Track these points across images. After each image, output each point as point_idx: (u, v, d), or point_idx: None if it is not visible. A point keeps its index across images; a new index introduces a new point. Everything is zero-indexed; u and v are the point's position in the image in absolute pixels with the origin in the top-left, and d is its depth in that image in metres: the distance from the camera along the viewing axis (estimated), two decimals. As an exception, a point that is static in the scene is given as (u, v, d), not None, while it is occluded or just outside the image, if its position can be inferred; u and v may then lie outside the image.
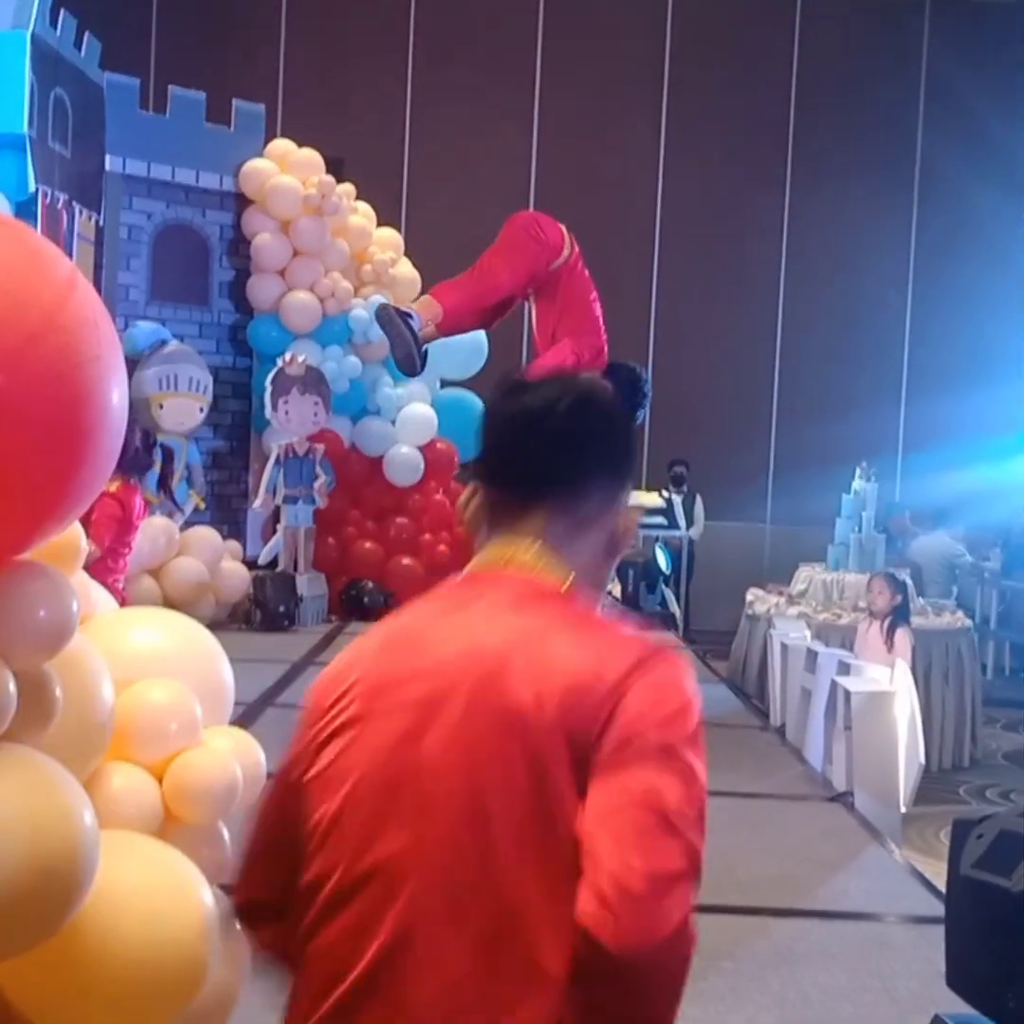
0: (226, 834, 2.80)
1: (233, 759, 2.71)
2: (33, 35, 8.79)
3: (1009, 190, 12.79)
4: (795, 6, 12.94)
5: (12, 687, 2.19)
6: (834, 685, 5.76)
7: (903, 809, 5.64)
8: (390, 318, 5.99)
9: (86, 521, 2.66)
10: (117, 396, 2.31)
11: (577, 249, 6.11)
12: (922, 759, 5.61)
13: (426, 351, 6.02)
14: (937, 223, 12.91)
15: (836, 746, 5.64)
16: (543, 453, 1.82)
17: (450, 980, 1.57)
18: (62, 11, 9.30)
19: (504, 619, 1.74)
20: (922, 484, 11.91)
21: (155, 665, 2.73)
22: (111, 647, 2.68)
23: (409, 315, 5.99)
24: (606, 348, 6.13)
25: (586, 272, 6.12)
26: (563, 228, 6.11)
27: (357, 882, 1.66)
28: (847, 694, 5.52)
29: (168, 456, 7.92)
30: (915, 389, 12.94)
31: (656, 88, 12.92)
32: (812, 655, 6.40)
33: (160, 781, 2.66)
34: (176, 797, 2.64)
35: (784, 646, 6.94)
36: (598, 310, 6.11)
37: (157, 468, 8.08)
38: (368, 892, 1.64)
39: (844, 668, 5.96)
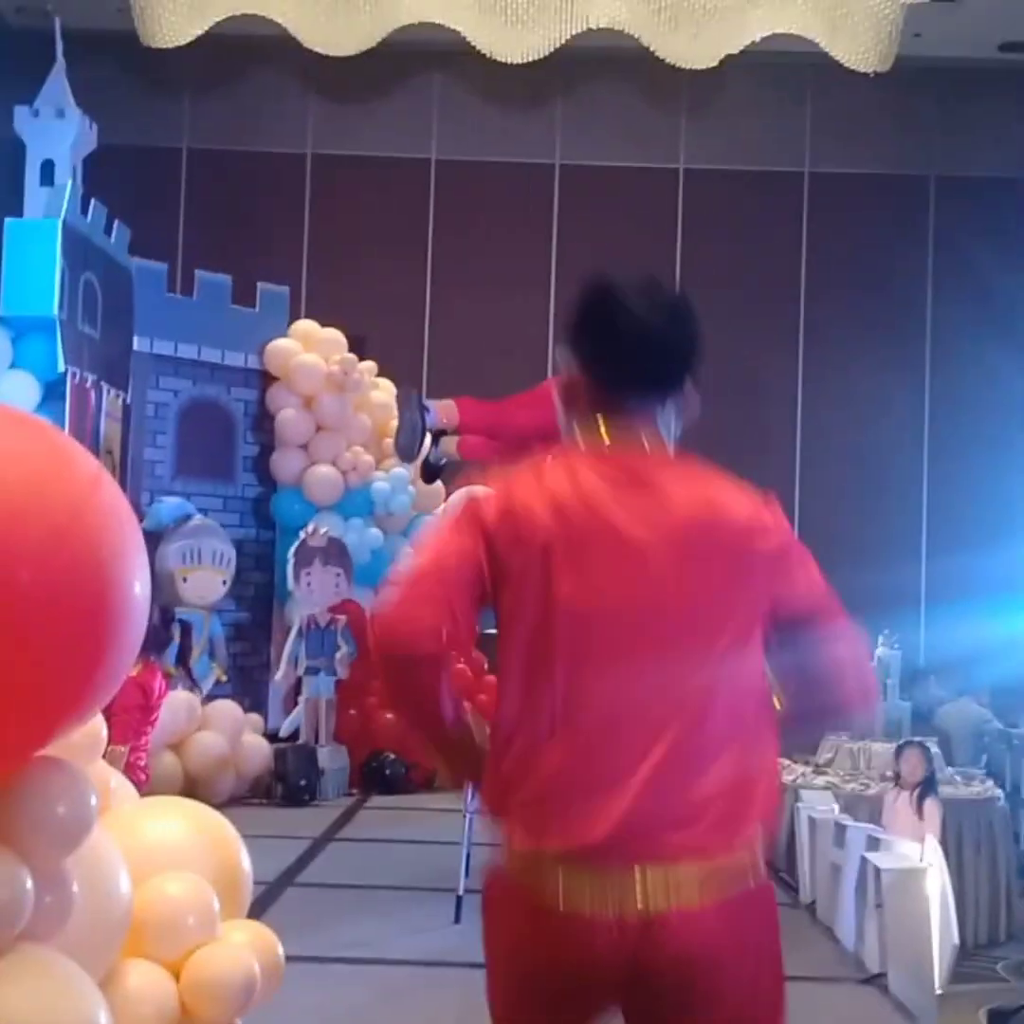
0: (243, 1031, 2.75)
1: (251, 954, 2.67)
2: (64, 222, 9.10)
3: (1021, 350, 12.97)
4: (803, 182, 13.30)
5: (29, 885, 2.18)
6: (864, 861, 5.65)
7: (938, 990, 5.48)
8: (408, 402, 6.08)
9: (107, 712, 2.67)
10: (139, 589, 2.33)
11: None
12: (956, 938, 5.46)
13: (428, 444, 6.07)
14: (950, 384, 13.06)
15: (868, 924, 5.51)
16: (685, 351, 2.26)
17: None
18: (92, 200, 9.64)
19: (692, 488, 2.24)
20: (945, 638, 11.83)
21: (173, 857, 2.71)
22: (129, 839, 2.67)
23: (426, 408, 6.07)
24: None
25: None
26: None
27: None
28: (877, 871, 5.40)
29: (186, 630, 7.94)
30: (935, 544, 12.95)
31: (668, 262, 13.21)
32: (840, 829, 6.29)
33: (177, 977, 2.62)
34: (193, 994, 2.60)
35: (811, 820, 6.82)
36: None
37: (176, 641, 8.10)
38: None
39: (873, 844, 5.84)
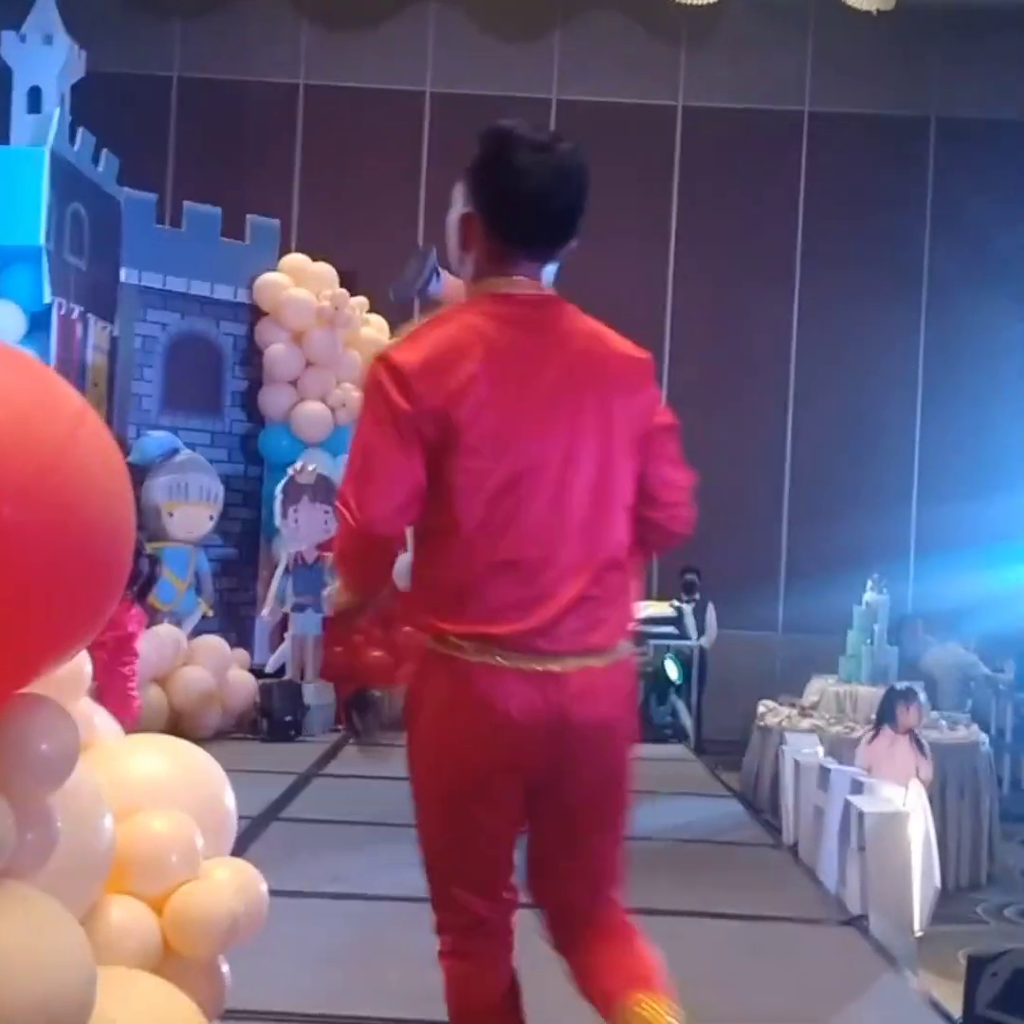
0: (226, 968, 2.76)
1: (234, 891, 2.67)
2: (51, 151, 8.97)
3: (1018, 299, 12.90)
4: (802, 120, 13.17)
5: (10, 821, 2.16)
6: (847, 805, 5.68)
7: (919, 933, 5.53)
8: (424, 258, 5.91)
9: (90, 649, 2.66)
10: (125, 527, 2.31)
11: None
12: (938, 882, 5.50)
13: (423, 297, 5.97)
14: (945, 332, 13.01)
15: (850, 867, 5.54)
16: (576, 211, 2.58)
17: None
18: (80, 128, 9.50)
19: (581, 325, 2.60)
20: (934, 589, 11.88)
21: (157, 793, 2.71)
22: (112, 775, 2.65)
23: (438, 273, 5.93)
24: None
25: None
26: None
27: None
28: (860, 814, 5.43)
29: (154, 563, 7.86)
30: (926, 493, 12.93)
31: (665, 199, 13.11)
32: (824, 772, 6.32)
33: (160, 914, 2.62)
34: (176, 931, 2.60)
35: (796, 763, 6.85)
36: None
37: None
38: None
39: (857, 787, 5.87)
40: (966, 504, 12.32)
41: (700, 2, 10.98)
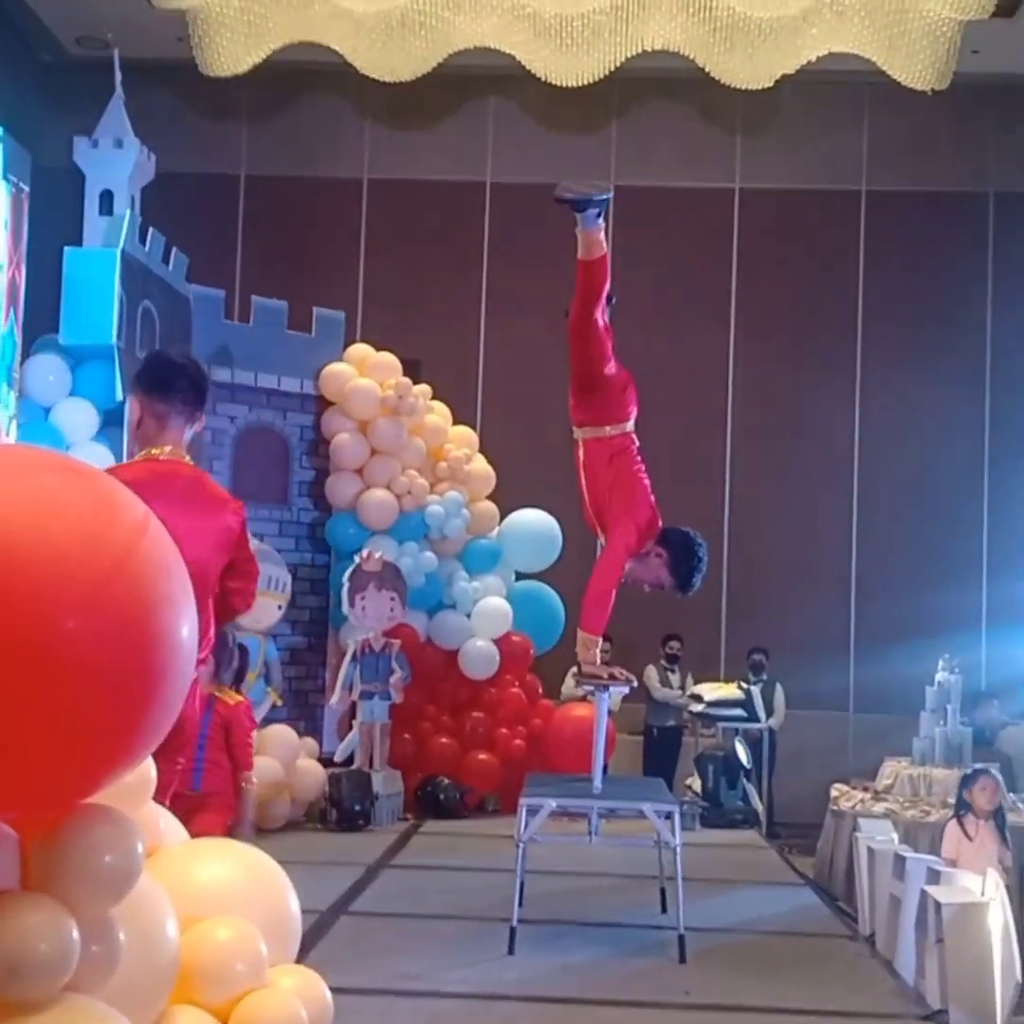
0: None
1: (299, 1000, 2.66)
2: (122, 251, 9.19)
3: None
4: (860, 200, 13.20)
5: (75, 935, 2.17)
6: (924, 895, 5.56)
7: (1001, 1028, 5.37)
8: (603, 194, 6.06)
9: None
10: (186, 636, 2.34)
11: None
12: (1019, 974, 5.35)
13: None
14: (1011, 405, 12.90)
15: (928, 959, 5.41)
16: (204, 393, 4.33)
17: None
18: (151, 228, 9.74)
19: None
20: (1007, 661, 11.72)
21: (221, 901, 2.71)
22: (176, 883, 2.66)
23: (601, 214, 6.13)
24: (659, 519, 6.19)
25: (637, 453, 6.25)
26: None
27: None
28: (938, 905, 5.32)
29: (243, 653, 7.95)
30: (996, 566, 12.78)
31: (725, 282, 13.16)
32: (900, 861, 6.20)
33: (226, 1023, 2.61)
34: (241, 1041, 2.59)
35: (870, 850, 6.73)
36: (647, 482, 6.18)
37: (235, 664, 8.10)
38: None
39: (933, 876, 5.76)
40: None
41: (756, 87, 11.05)
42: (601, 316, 6.18)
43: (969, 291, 13.03)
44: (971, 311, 13.03)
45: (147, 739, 2.38)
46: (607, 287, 6.21)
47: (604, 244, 6.21)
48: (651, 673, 11.33)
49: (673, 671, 11.57)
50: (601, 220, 6.17)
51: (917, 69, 10.60)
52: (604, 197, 6.10)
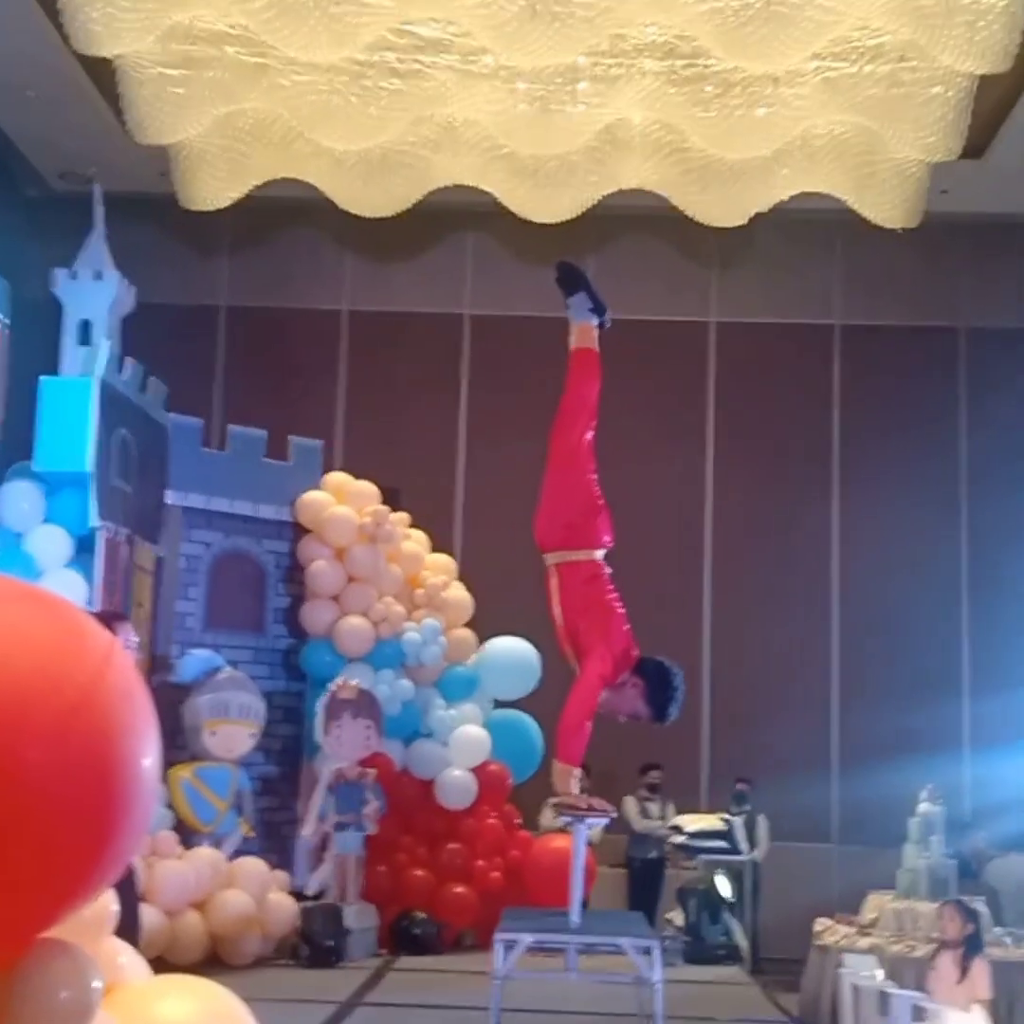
0: None
1: None
2: (101, 381, 9.25)
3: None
4: (833, 334, 13.42)
5: (28, 1077, 2.10)
6: (909, 1033, 5.44)
7: None
8: (600, 307, 6.29)
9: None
10: (149, 765, 2.31)
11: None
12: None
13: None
14: (988, 529, 13.01)
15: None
16: None
17: None
18: (128, 359, 9.81)
19: None
20: (992, 785, 11.64)
21: (183, 1040, 2.62)
22: (137, 1021, 2.58)
23: (601, 317, 6.37)
24: (634, 648, 6.13)
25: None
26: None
27: None
28: (923, 1044, 5.20)
29: None
30: (977, 686, 12.76)
31: (701, 413, 13.30)
32: (885, 997, 6.06)
33: None
34: None
35: (855, 987, 6.59)
36: (622, 611, 6.13)
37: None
38: None
39: (919, 1013, 5.63)
40: (1019, 696, 12.18)
41: (730, 225, 11.28)
42: (588, 431, 6.25)
43: (942, 420, 13.22)
44: (945, 438, 13.20)
45: (108, 871, 2.34)
46: (595, 401, 6.34)
47: (594, 343, 6.39)
48: (630, 804, 11.17)
49: (653, 801, 11.41)
50: (594, 318, 6.37)
51: (887, 208, 10.84)
52: (599, 303, 6.42)
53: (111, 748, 2.21)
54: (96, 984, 2.25)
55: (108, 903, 2.68)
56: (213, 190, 11.08)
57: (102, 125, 11.67)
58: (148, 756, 2.30)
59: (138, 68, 9.54)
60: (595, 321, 6.47)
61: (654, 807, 11.37)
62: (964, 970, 6.58)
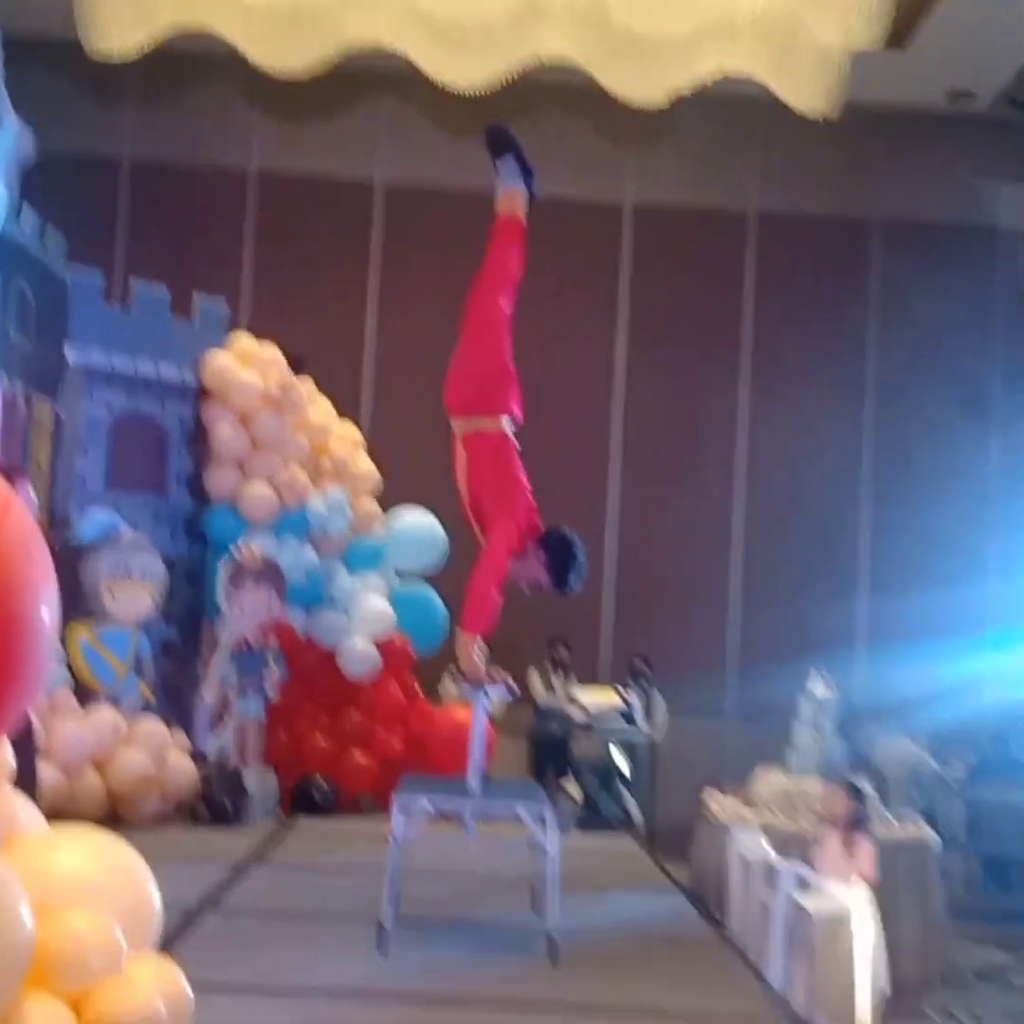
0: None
1: (155, 991, 2.56)
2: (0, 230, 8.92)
3: (966, 398, 13.10)
4: (748, 221, 13.35)
5: (-80, 920, 2.06)
6: (793, 903, 5.59)
7: (867, 1033, 5.42)
8: (528, 170, 6.31)
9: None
10: (46, 615, 2.26)
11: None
12: (886, 984, 5.40)
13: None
14: (893, 426, 13.16)
15: (796, 966, 5.44)
16: None
17: None
18: (25, 207, 9.46)
19: None
20: (883, 680, 11.88)
21: (80, 890, 2.60)
22: (34, 871, 2.56)
23: (529, 179, 6.39)
24: (538, 519, 6.14)
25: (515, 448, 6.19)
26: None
27: None
28: (807, 913, 5.35)
29: None
30: (875, 584, 12.99)
31: (613, 289, 13.22)
32: (771, 870, 6.23)
33: (79, 1013, 2.51)
34: (95, 1034, 2.48)
35: (743, 859, 6.76)
36: (526, 483, 6.13)
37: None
38: None
39: (804, 885, 5.79)
40: (914, 596, 12.39)
41: (649, 104, 11.09)
42: (507, 301, 6.17)
43: (854, 314, 13.29)
44: (855, 330, 13.27)
45: (6, 718, 2.30)
46: (517, 270, 6.26)
47: (520, 211, 6.32)
48: (534, 678, 11.23)
49: (558, 676, 11.41)
50: (521, 184, 6.31)
51: (807, 95, 10.71)
52: (528, 168, 6.30)
53: (8, 597, 2.16)
54: (-10, 830, 2.21)
55: (4, 754, 2.63)
56: (119, 37, 10.62)
57: (4, -39, 11.15)
58: (44, 606, 2.25)
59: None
60: (523, 187, 6.37)
61: (558, 682, 11.43)
62: (849, 848, 6.75)
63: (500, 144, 6.33)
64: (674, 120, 12.23)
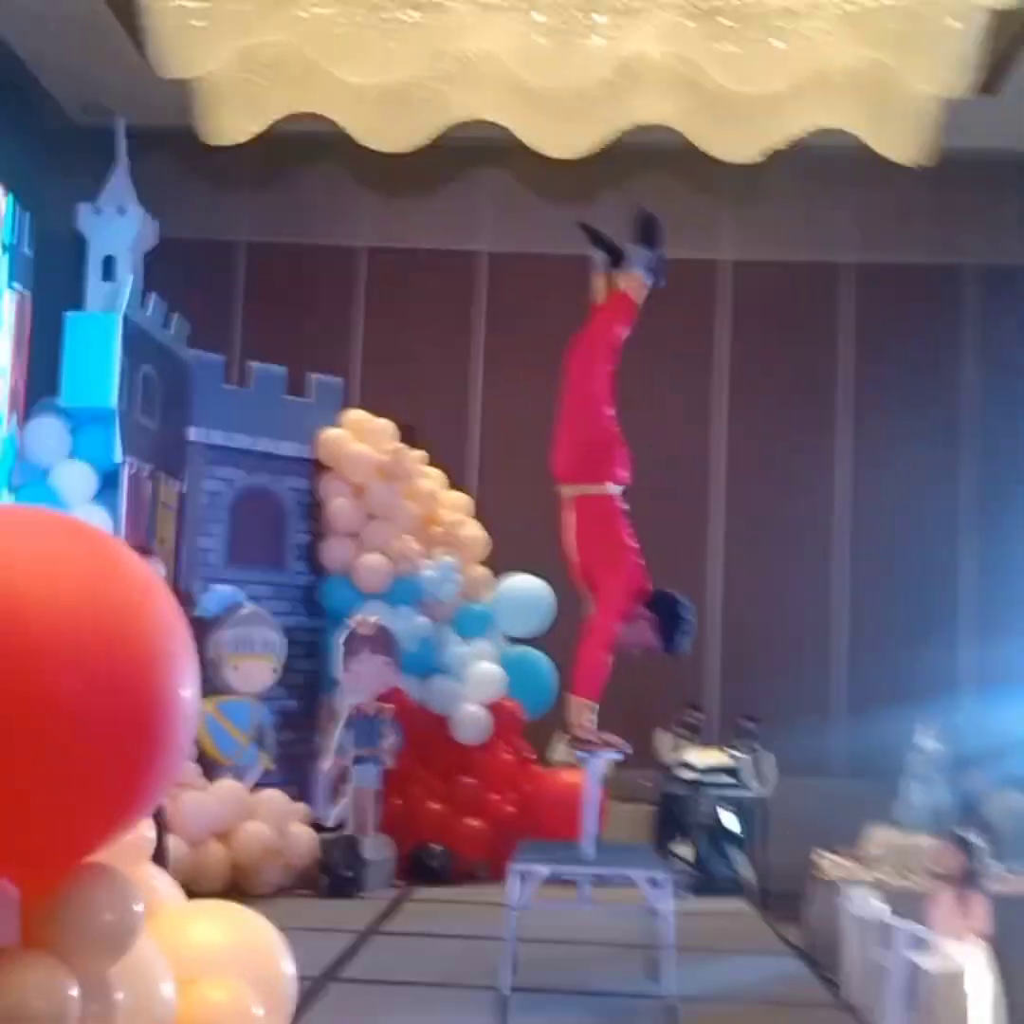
0: None
1: (290, 1060, 2.71)
2: (124, 316, 9.33)
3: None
4: (843, 272, 13.39)
5: (74, 992, 2.23)
6: (909, 962, 5.59)
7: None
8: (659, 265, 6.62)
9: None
10: (189, 694, 2.40)
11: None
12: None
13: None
14: (992, 474, 13.01)
15: (913, 1028, 5.44)
16: None
17: None
18: (152, 294, 9.88)
19: None
20: (990, 727, 11.75)
21: (216, 962, 2.76)
22: (172, 943, 2.72)
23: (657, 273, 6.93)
24: (647, 582, 6.25)
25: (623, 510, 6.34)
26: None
27: None
28: (923, 973, 5.35)
29: None
30: (980, 630, 12.83)
31: (711, 347, 13.29)
32: (886, 928, 6.23)
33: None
34: (233, 1100, 2.63)
35: (857, 918, 6.76)
36: (635, 545, 6.26)
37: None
38: None
39: (919, 944, 5.79)
40: (1019, 641, 12.27)
41: (744, 161, 11.24)
42: (610, 368, 6.36)
43: (953, 361, 13.22)
44: (953, 379, 13.20)
45: (148, 798, 2.43)
46: (621, 343, 6.50)
47: (639, 296, 6.61)
48: (663, 740, 11.32)
49: (687, 739, 11.41)
50: (651, 278, 6.60)
51: (901, 145, 10.77)
52: (662, 268, 6.63)
53: (149, 676, 2.28)
54: (137, 907, 2.38)
55: (145, 829, 2.81)
56: (233, 124, 11.06)
57: (124, 58, 11.65)
58: (186, 685, 2.38)
59: (160, 0, 9.53)
60: (650, 280, 6.67)
61: (688, 745, 11.43)
62: (963, 904, 6.71)
63: (646, 232, 6.66)
64: (769, 175, 12.35)
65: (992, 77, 11.11)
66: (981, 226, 13.24)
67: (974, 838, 7.43)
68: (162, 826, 5.88)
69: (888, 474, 12.97)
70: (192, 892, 3.37)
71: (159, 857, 4.17)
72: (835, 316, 13.32)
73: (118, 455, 9.18)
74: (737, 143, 11.11)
